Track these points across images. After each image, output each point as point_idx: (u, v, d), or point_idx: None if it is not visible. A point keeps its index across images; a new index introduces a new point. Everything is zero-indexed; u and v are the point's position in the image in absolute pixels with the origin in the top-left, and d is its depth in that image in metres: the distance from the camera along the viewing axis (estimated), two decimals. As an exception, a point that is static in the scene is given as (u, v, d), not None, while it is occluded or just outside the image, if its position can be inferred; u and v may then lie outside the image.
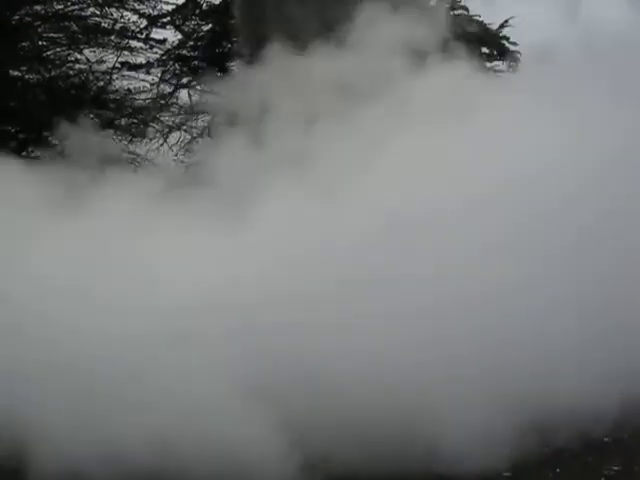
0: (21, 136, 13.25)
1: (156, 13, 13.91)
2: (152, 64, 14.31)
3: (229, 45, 14.07)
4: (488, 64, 14.42)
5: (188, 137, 13.82)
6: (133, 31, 13.78)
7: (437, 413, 4.72)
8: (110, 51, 13.58)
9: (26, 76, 13.23)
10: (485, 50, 14.79)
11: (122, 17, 13.68)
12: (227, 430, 4.66)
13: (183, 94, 14.52)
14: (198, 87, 14.70)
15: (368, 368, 4.73)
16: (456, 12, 14.23)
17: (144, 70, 14.23)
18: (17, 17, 13.15)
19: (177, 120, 13.90)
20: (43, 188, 5.63)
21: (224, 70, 14.66)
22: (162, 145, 13.66)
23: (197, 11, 14.19)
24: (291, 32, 6.44)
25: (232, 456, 4.60)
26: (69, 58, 13.52)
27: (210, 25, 14.24)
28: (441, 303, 4.92)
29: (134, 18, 13.81)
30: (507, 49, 15.27)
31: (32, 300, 4.99)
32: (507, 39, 15.36)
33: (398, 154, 5.55)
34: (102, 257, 5.19)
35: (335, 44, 6.16)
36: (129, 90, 14.14)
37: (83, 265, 5.14)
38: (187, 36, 14.31)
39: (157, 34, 13.99)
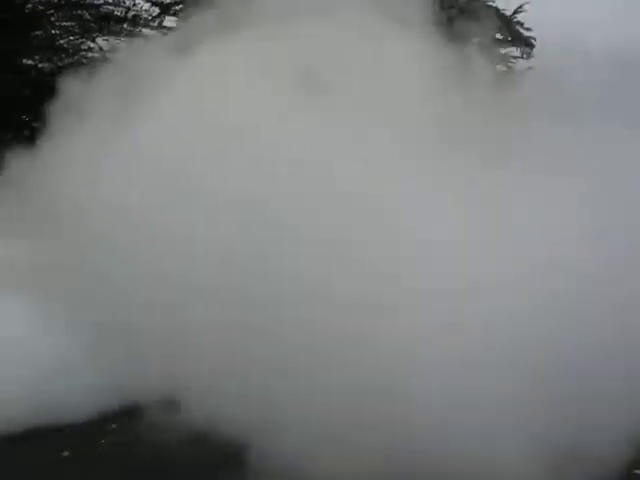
0: (34, 124, 13.30)
1: (168, 1, 13.92)
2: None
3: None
4: (502, 50, 14.32)
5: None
6: (145, 19, 13.80)
7: None
8: (123, 39, 13.60)
9: (39, 65, 13.29)
10: (499, 36, 14.68)
11: (134, 5, 13.72)
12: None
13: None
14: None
15: None
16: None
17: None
18: (30, 6, 13.19)
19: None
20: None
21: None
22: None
23: (209, -1, 14.18)
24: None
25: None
26: (82, 47, 13.58)
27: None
28: None
29: (146, 6, 13.85)
30: (521, 35, 15.16)
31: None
32: (521, 25, 15.24)
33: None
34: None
35: None
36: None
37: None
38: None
39: (169, 22, 14.00)
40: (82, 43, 13.59)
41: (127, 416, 4.83)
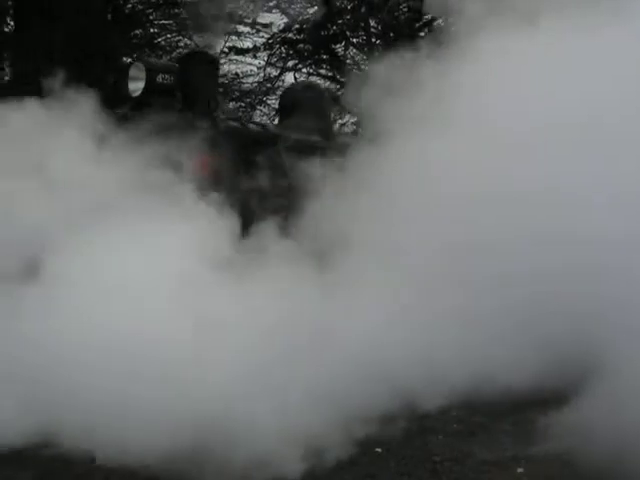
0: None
1: (263, -2, 14.09)
2: (259, 48, 14.53)
3: (334, 27, 14.10)
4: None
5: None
6: (240, 15, 14.00)
7: None
8: (218, 36, 13.83)
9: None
10: None
11: (230, 2, 13.92)
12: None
13: (289, 77, 14.69)
14: (304, 70, 14.83)
15: None
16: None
17: (251, 54, 14.47)
18: (130, 5, 13.58)
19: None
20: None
21: (329, 53, 14.72)
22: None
23: (302, -6, 14.28)
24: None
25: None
26: (179, 44, 13.90)
27: (315, 8, 14.31)
28: None
29: (241, 3, 14.04)
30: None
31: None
32: None
33: None
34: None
35: None
36: (236, 74, 14.42)
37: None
38: (293, 19, 14.43)
39: (263, 18, 14.19)
40: (179, 41, 13.91)
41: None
